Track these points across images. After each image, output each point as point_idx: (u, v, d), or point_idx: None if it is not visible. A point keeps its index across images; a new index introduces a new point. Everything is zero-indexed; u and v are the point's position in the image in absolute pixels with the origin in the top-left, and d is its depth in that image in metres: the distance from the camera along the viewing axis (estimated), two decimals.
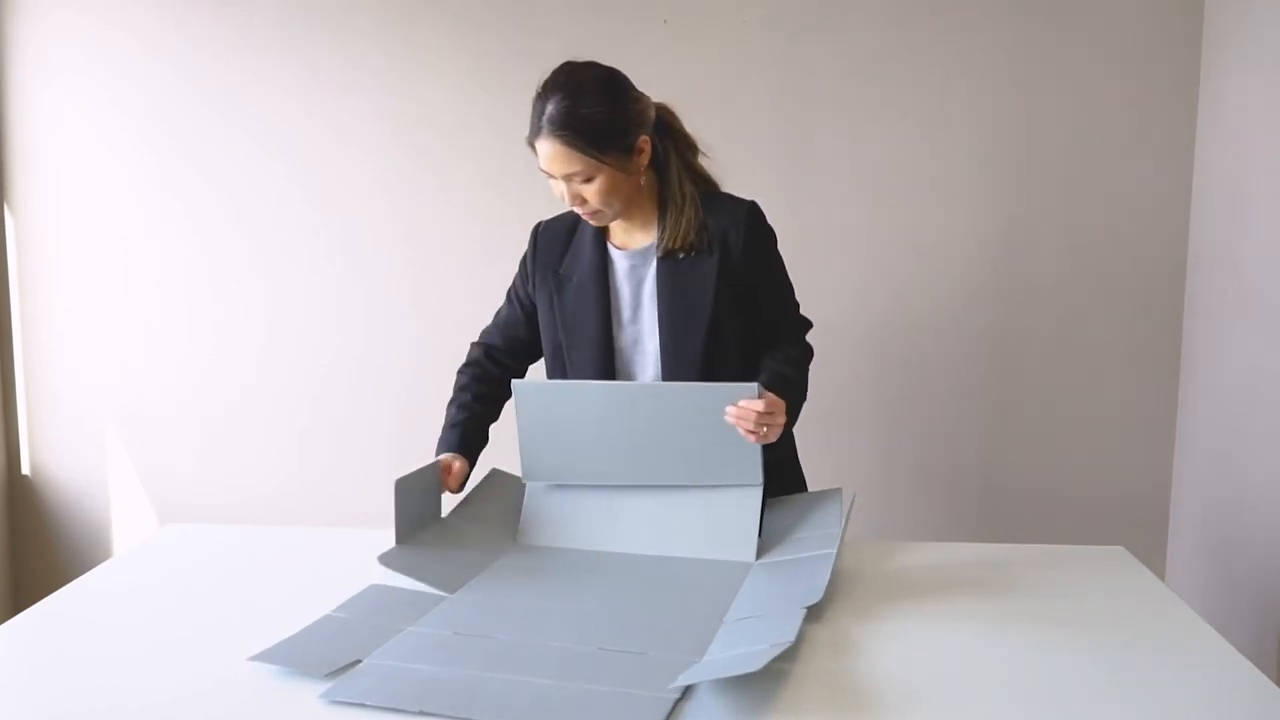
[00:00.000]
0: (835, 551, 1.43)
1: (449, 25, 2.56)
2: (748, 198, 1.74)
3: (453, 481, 1.64)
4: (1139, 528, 2.61)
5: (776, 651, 1.12)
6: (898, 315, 2.60)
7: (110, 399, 2.71)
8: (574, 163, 1.53)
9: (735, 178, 2.54)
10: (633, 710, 1.08)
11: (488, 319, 1.85)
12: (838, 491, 1.62)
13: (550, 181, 1.59)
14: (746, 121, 2.55)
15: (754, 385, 1.49)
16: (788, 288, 1.76)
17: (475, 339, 1.84)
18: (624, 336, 1.69)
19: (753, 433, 1.49)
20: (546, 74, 1.57)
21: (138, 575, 1.54)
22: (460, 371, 1.80)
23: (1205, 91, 2.47)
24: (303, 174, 2.62)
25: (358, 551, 1.63)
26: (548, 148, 1.53)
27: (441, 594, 1.40)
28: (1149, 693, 1.14)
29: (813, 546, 1.48)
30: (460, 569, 1.49)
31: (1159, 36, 2.48)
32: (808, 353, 1.76)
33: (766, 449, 1.54)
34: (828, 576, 1.35)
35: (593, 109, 1.52)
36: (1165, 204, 2.53)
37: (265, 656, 1.20)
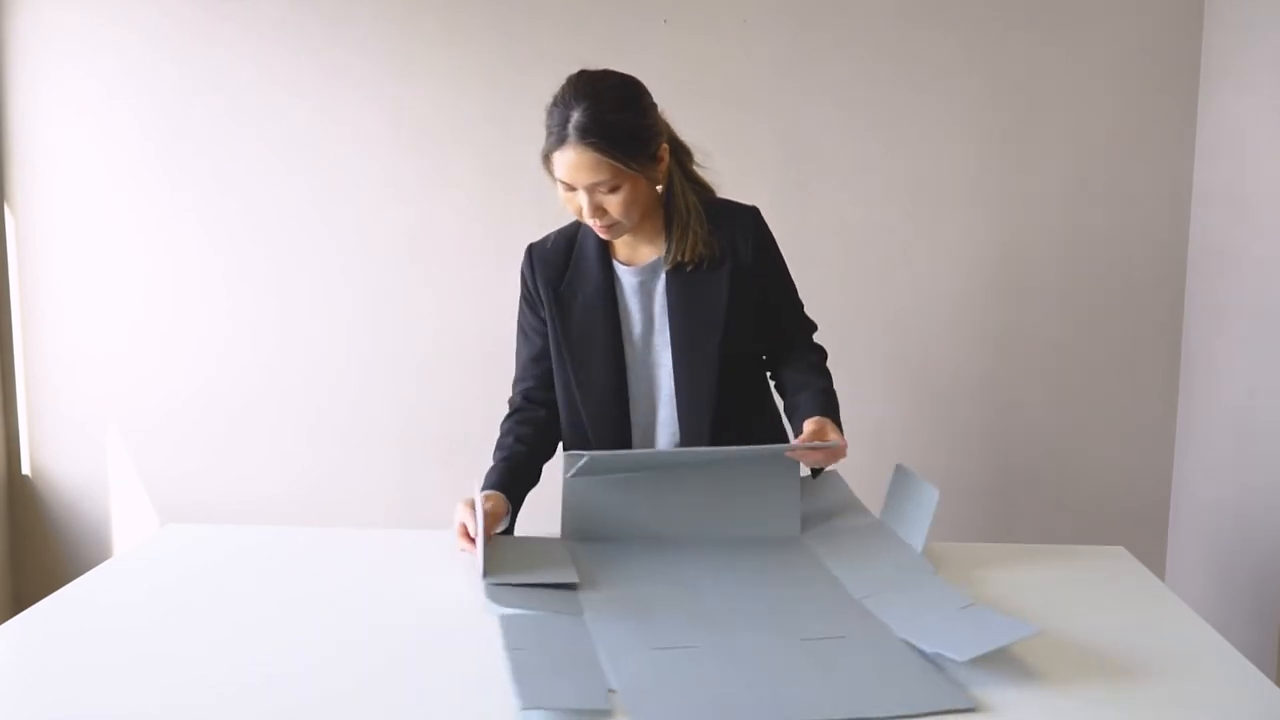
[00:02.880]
0: (874, 517, 1.61)
1: (454, 23, 2.56)
2: (749, 202, 1.73)
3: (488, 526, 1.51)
4: (1139, 528, 2.61)
5: (1027, 630, 1.21)
6: (896, 315, 2.60)
7: (111, 399, 2.71)
8: (601, 171, 1.48)
9: (735, 177, 2.54)
10: (939, 691, 1.13)
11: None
12: (834, 473, 1.72)
13: (564, 195, 1.54)
14: (746, 121, 2.56)
15: (784, 447, 1.57)
16: (794, 290, 1.76)
17: (511, 396, 1.76)
18: (634, 353, 1.66)
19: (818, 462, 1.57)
20: (562, 84, 1.54)
21: (137, 576, 1.54)
22: (503, 422, 1.72)
23: (1205, 91, 2.47)
24: (308, 172, 2.62)
25: (358, 552, 1.64)
26: (574, 157, 1.48)
27: (572, 615, 1.34)
28: (1149, 692, 1.14)
29: (850, 517, 1.64)
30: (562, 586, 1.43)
31: (1159, 38, 2.48)
32: (824, 356, 1.76)
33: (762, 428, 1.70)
34: (921, 530, 1.51)
35: (620, 115, 1.50)
36: (1165, 204, 2.53)
37: (534, 703, 1.09)
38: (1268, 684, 1.16)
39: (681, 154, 1.66)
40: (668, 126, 1.64)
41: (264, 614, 1.37)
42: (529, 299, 1.70)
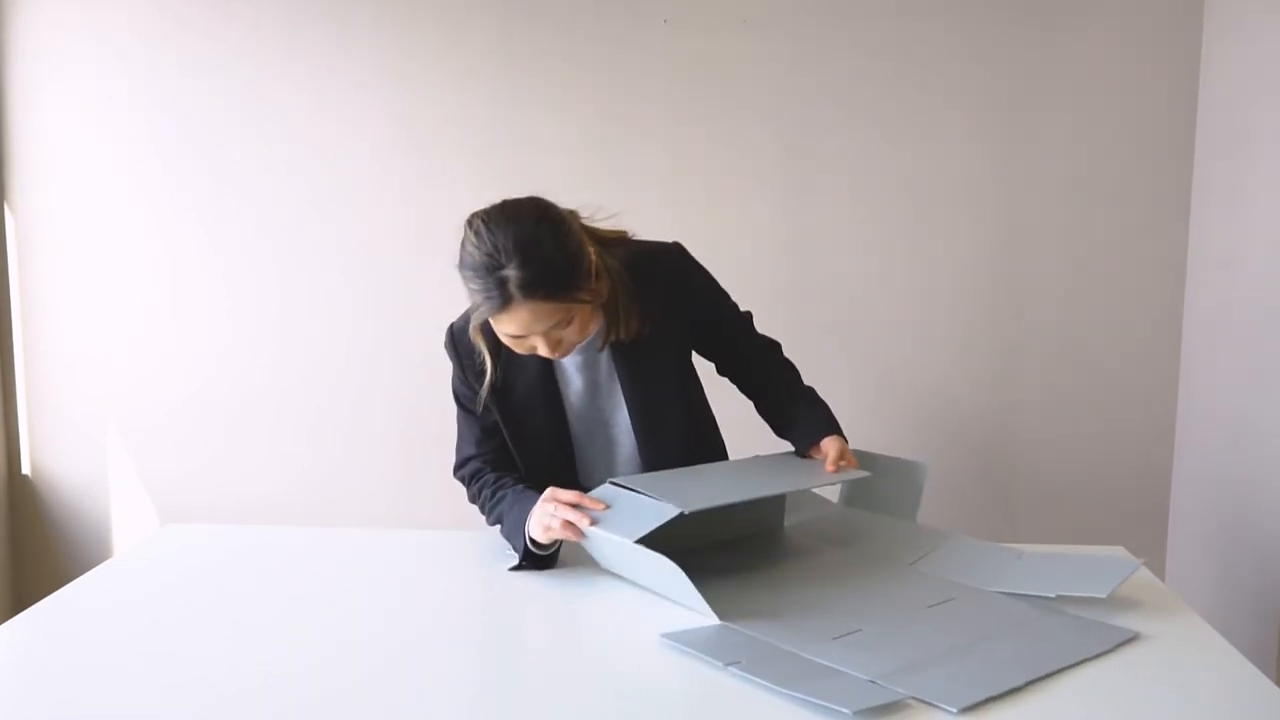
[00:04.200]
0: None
1: (455, 22, 2.55)
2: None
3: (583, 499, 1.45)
4: (1139, 528, 2.61)
5: (1132, 566, 1.39)
6: (896, 315, 2.60)
7: (111, 398, 2.71)
8: (555, 314, 1.41)
9: (735, 178, 2.55)
10: (1095, 636, 1.25)
11: None
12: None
13: (511, 343, 1.46)
14: (746, 121, 2.56)
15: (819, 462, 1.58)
16: (730, 302, 1.71)
17: (457, 471, 1.68)
18: (583, 425, 1.63)
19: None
20: (471, 239, 1.41)
21: (137, 576, 1.54)
22: (478, 481, 1.63)
23: (1205, 92, 2.47)
24: (308, 172, 2.62)
25: (358, 552, 1.64)
26: (523, 313, 1.39)
27: (719, 619, 1.31)
28: (1149, 692, 1.14)
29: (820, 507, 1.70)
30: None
31: (1159, 36, 2.48)
32: (780, 348, 1.75)
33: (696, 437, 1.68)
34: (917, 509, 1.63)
35: (553, 255, 1.39)
36: (1165, 204, 2.53)
37: (860, 705, 1.07)
38: (1268, 684, 1.15)
39: (589, 231, 1.52)
40: (574, 215, 1.50)
41: (264, 614, 1.37)
42: (465, 383, 1.62)
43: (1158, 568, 2.60)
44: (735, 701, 1.12)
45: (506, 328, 1.43)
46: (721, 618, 1.30)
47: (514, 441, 1.61)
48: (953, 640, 1.23)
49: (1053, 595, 1.34)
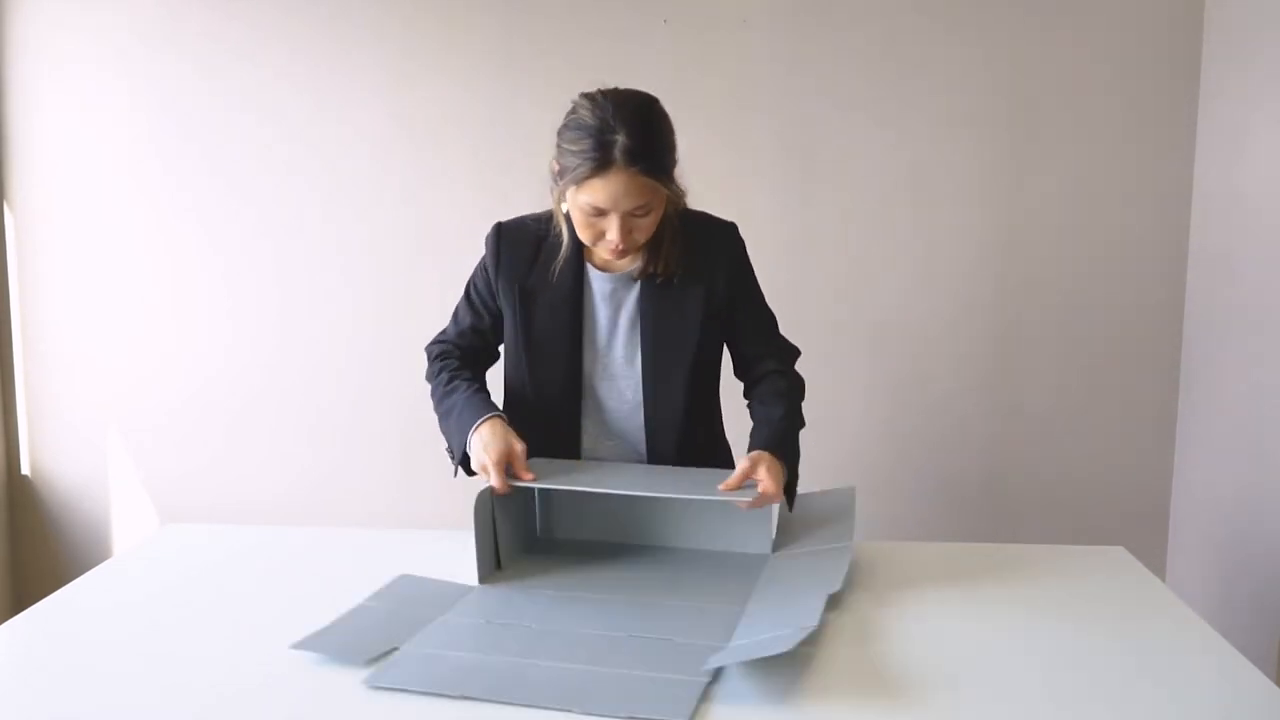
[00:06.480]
0: (851, 544, 1.48)
1: (456, 22, 2.55)
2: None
3: (519, 465, 1.47)
4: (1139, 528, 2.61)
5: (804, 634, 1.16)
6: (897, 316, 2.60)
7: (111, 399, 2.71)
8: (645, 193, 1.44)
9: (735, 178, 2.55)
10: (667, 693, 1.12)
11: None
12: (850, 489, 1.66)
13: (587, 220, 1.47)
14: (746, 121, 2.56)
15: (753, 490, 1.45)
16: (765, 306, 1.70)
17: (429, 346, 1.73)
18: (593, 360, 1.62)
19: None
20: (583, 106, 1.46)
21: (137, 576, 1.54)
22: (440, 360, 1.69)
23: (1205, 92, 2.47)
24: (309, 171, 2.62)
25: (358, 552, 1.64)
26: (624, 181, 1.42)
27: (469, 585, 1.44)
28: (1148, 692, 1.14)
29: (828, 540, 1.52)
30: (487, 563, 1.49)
31: (1159, 37, 2.48)
32: (798, 384, 1.67)
33: (697, 429, 1.64)
34: (847, 567, 1.39)
35: (659, 135, 1.46)
36: (1165, 204, 2.53)
37: (306, 645, 1.23)
38: (1268, 684, 1.16)
39: None
40: None
41: (264, 614, 1.37)
42: (485, 278, 1.66)
43: (1158, 568, 2.60)
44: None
45: (595, 195, 1.44)
46: (499, 581, 1.45)
47: (528, 345, 1.62)
48: (573, 658, 1.21)
49: (709, 666, 1.17)
